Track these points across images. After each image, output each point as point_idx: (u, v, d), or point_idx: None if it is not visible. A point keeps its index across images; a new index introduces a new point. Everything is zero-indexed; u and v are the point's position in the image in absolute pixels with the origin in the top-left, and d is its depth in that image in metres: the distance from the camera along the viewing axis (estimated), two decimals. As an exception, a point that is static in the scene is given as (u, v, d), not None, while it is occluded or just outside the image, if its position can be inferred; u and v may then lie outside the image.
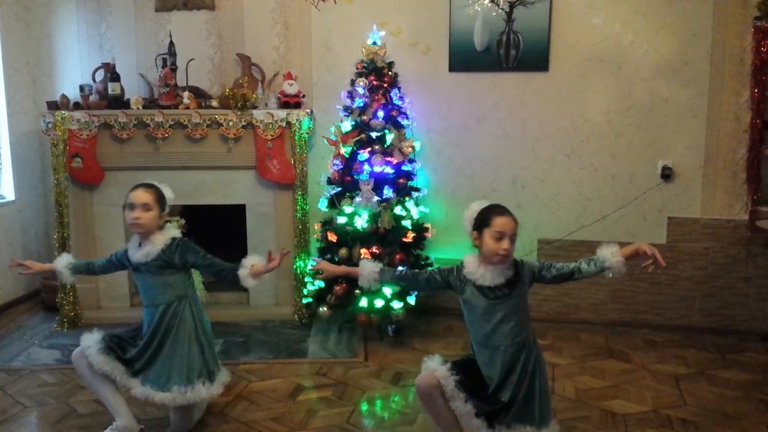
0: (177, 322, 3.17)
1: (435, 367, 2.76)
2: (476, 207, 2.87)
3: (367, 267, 2.98)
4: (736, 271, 4.57)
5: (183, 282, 3.23)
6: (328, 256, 4.48)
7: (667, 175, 4.56)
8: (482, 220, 2.80)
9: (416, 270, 3.02)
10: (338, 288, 4.37)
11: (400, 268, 2.91)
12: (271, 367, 4.08)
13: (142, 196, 3.15)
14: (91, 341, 3.10)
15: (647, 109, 4.56)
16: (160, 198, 3.21)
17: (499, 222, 2.76)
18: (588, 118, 4.65)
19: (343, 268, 3.19)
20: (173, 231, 3.26)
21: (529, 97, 4.70)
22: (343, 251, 4.39)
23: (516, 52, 4.65)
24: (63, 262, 3.36)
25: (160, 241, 3.17)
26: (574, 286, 4.76)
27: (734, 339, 4.51)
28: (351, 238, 4.39)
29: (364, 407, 3.60)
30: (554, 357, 4.23)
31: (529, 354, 2.80)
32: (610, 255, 2.78)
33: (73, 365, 3.18)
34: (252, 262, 3.20)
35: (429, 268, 2.94)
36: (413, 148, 4.50)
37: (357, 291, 4.22)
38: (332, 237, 4.44)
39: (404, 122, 4.55)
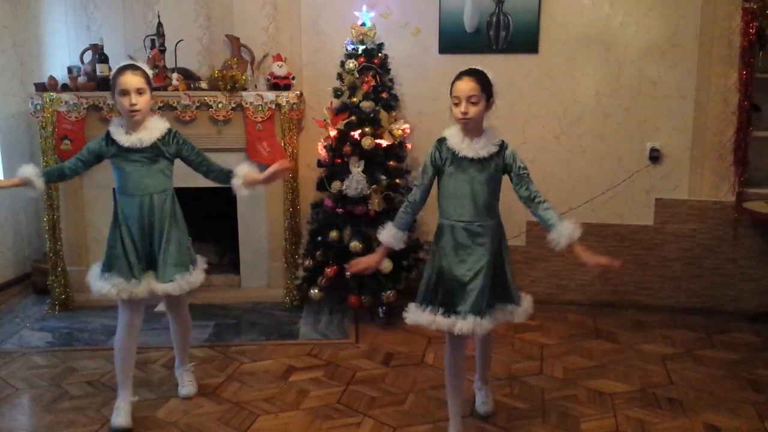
0: (170, 211, 3.17)
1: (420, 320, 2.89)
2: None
3: (388, 236, 3.01)
4: (722, 252, 4.62)
5: (171, 172, 3.21)
6: (319, 238, 4.50)
7: (655, 156, 4.59)
8: (450, 89, 2.88)
9: (408, 196, 3.08)
10: (329, 270, 4.39)
11: (402, 210, 3.00)
12: (263, 348, 4.11)
13: (134, 80, 3.01)
14: (93, 278, 3.21)
15: (636, 90, 4.58)
16: (149, 78, 3.11)
17: (455, 87, 2.85)
18: (577, 99, 4.67)
19: (378, 255, 3.10)
20: (164, 122, 3.19)
21: (519, 78, 4.70)
22: (333, 233, 4.40)
23: (506, 34, 4.65)
24: (30, 170, 3.14)
25: (156, 129, 3.11)
26: (562, 267, 4.81)
27: (720, 319, 4.57)
28: (341, 221, 4.41)
29: (355, 388, 3.63)
30: (542, 337, 4.29)
31: (499, 236, 2.95)
32: (566, 235, 2.87)
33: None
34: (246, 170, 3.19)
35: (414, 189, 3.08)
36: (404, 130, 4.51)
37: (347, 275, 4.23)
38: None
39: (394, 104, 4.55)
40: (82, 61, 4.82)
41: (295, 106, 4.64)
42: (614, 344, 4.20)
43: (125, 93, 3.01)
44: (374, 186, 4.34)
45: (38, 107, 4.54)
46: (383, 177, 4.37)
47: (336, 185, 4.40)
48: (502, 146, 2.90)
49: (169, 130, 3.17)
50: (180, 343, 3.53)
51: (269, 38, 4.90)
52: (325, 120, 4.52)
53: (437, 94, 4.79)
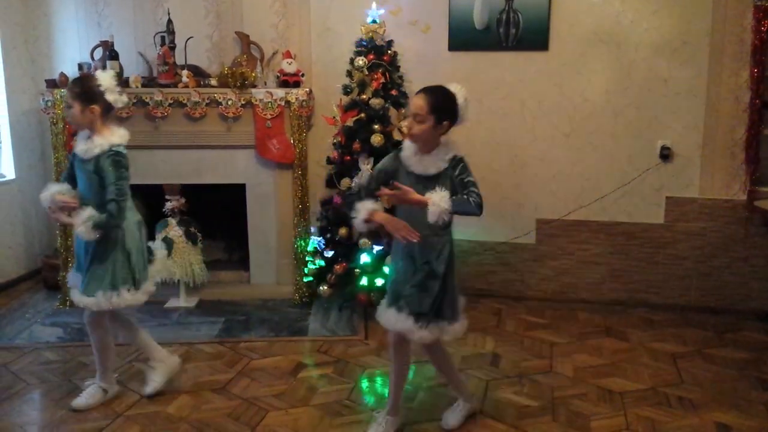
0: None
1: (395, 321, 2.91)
2: None
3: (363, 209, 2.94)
4: (733, 251, 4.60)
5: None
6: (329, 235, 4.51)
7: (665, 155, 4.57)
8: None
9: (362, 186, 3.09)
10: (338, 267, 4.40)
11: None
12: (272, 345, 4.12)
13: (65, 94, 3.15)
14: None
15: (646, 88, 4.56)
16: (81, 92, 3.10)
17: (410, 103, 2.89)
18: (587, 97, 4.65)
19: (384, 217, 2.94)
20: (117, 137, 3.16)
21: (529, 76, 4.69)
22: (342, 230, 4.41)
23: (516, 31, 4.64)
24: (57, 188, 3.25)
25: (98, 145, 3.11)
26: (572, 266, 4.80)
27: (731, 318, 4.55)
28: (351, 218, 4.40)
29: (365, 384, 3.64)
30: (552, 335, 4.28)
31: (447, 253, 2.89)
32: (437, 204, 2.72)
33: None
34: (81, 220, 3.07)
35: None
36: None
37: (357, 271, 4.24)
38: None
39: (403, 101, 4.55)
40: (92, 58, 4.84)
41: (304, 103, 4.64)
42: (624, 342, 4.19)
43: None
44: (384, 183, 4.34)
45: (49, 104, 4.56)
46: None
47: (345, 182, 4.40)
48: (454, 165, 2.85)
49: (110, 146, 3.12)
50: (107, 358, 3.45)
51: (279, 35, 4.91)
52: (334, 117, 4.52)
53: (447, 91, 4.79)
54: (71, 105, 3.10)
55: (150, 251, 3.47)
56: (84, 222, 3.07)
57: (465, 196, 2.78)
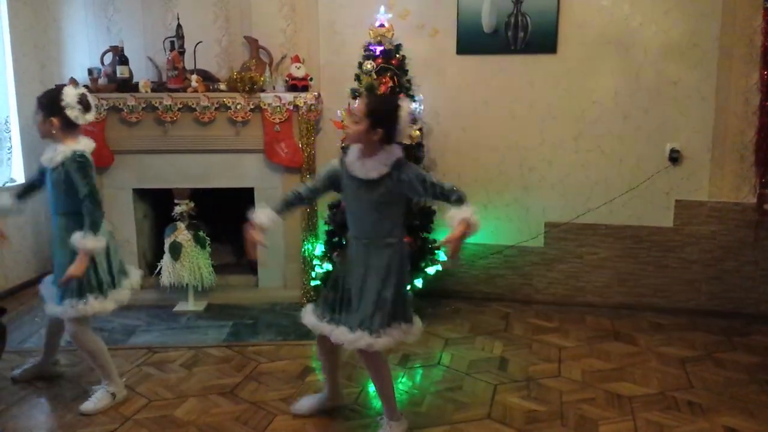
0: (68, 238, 3.20)
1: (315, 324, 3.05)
2: None
3: (261, 215, 2.99)
4: (743, 255, 4.57)
5: (77, 197, 3.22)
6: (336, 239, 4.50)
7: (674, 158, 4.55)
8: None
9: (307, 187, 3.14)
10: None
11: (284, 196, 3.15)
12: (280, 348, 4.12)
13: (35, 103, 3.27)
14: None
15: (655, 91, 4.54)
16: (43, 104, 3.25)
17: None
18: (596, 100, 4.64)
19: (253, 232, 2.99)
20: (82, 144, 3.28)
21: (537, 79, 4.68)
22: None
23: (524, 34, 4.63)
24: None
25: (61, 152, 3.22)
26: (581, 269, 4.79)
27: (741, 322, 4.52)
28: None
29: (372, 389, 3.63)
30: (560, 339, 4.26)
31: (395, 258, 2.92)
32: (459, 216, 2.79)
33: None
34: (84, 247, 3.17)
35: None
36: (420, 131, 4.51)
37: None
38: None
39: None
40: (102, 63, 4.87)
41: (312, 107, 4.65)
42: (633, 347, 4.17)
43: None
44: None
45: (59, 109, 4.58)
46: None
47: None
48: (398, 168, 2.87)
49: (73, 153, 3.21)
50: (53, 340, 3.65)
51: (287, 40, 4.92)
52: (342, 121, 4.52)
53: (455, 95, 4.80)
54: (36, 114, 3.27)
55: (124, 271, 3.52)
56: (83, 242, 3.16)
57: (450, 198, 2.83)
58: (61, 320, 3.42)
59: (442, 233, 4.62)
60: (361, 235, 2.96)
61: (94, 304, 3.28)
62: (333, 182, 3.05)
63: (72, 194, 3.22)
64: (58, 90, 3.26)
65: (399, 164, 2.88)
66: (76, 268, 3.16)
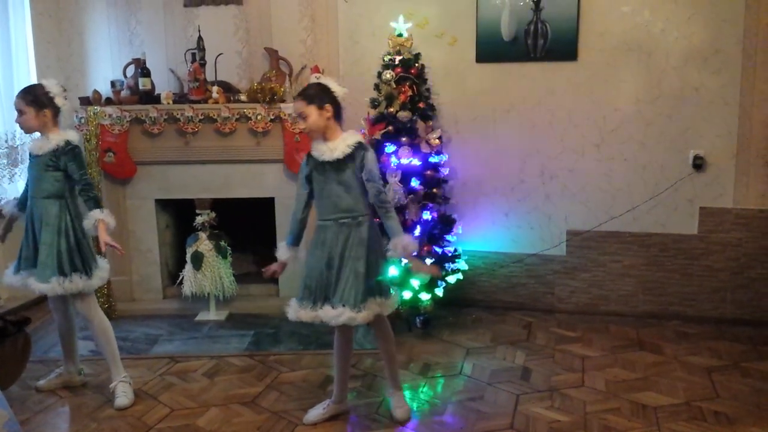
0: (52, 218, 3.41)
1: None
2: None
3: (281, 252, 3.33)
4: (769, 262, 4.51)
5: (63, 182, 3.44)
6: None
7: (698, 164, 4.50)
8: None
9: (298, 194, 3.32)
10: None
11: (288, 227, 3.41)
12: (301, 358, 4.13)
13: (16, 102, 3.41)
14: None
15: (678, 97, 4.50)
16: (34, 99, 3.40)
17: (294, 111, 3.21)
18: (617, 107, 4.60)
19: (278, 265, 3.38)
20: (71, 134, 3.48)
21: (558, 86, 4.66)
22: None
23: (544, 42, 4.62)
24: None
25: (54, 139, 3.41)
26: (604, 278, 4.74)
27: (768, 331, 4.45)
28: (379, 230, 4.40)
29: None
30: (584, 349, 4.22)
31: (367, 233, 3.13)
32: (400, 249, 3.10)
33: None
34: (101, 217, 3.39)
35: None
36: (440, 140, 4.50)
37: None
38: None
39: (431, 114, 4.55)
40: (125, 75, 4.93)
41: (332, 116, 4.66)
42: (658, 356, 4.11)
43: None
44: (411, 196, 4.34)
45: (82, 120, 4.65)
46: (420, 186, 4.37)
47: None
48: (361, 147, 3.10)
49: (66, 142, 3.42)
50: (68, 344, 3.77)
51: (307, 50, 4.95)
52: (362, 130, 4.53)
53: (474, 103, 4.79)
54: (24, 111, 3.39)
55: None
56: (105, 217, 3.38)
57: (392, 215, 3.13)
58: (69, 320, 3.67)
59: (462, 242, 4.64)
60: (336, 216, 3.12)
61: (78, 282, 3.43)
62: (309, 179, 3.22)
63: (58, 179, 3.41)
64: (41, 85, 3.47)
65: (362, 146, 3.12)
66: (103, 237, 3.35)
